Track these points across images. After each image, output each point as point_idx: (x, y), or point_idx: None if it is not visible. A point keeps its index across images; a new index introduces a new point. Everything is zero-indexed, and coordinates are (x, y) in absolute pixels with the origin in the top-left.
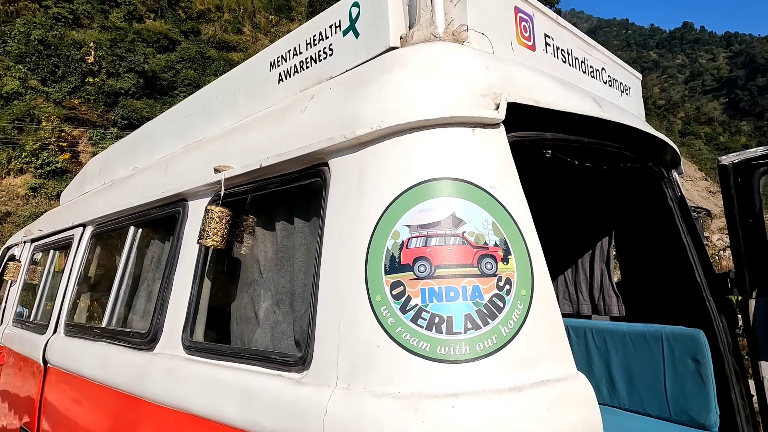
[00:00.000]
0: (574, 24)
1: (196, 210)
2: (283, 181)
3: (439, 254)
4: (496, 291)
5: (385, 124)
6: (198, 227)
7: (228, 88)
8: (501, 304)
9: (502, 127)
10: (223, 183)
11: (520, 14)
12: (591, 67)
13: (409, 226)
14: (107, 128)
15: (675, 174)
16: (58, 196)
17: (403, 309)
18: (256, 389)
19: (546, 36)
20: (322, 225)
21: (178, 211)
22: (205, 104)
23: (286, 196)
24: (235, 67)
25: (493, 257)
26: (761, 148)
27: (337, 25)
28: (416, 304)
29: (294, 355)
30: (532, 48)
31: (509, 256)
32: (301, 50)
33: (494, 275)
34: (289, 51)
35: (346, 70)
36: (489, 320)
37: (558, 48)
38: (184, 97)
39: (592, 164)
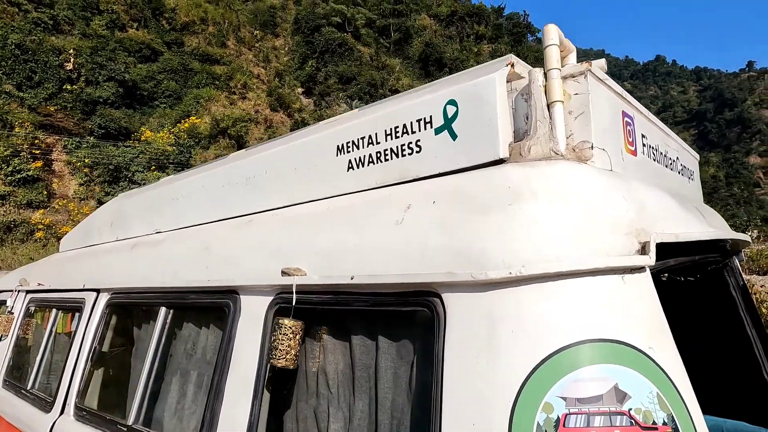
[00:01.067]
0: None
1: (250, 308)
2: (375, 302)
3: None
4: None
5: (527, 270)
6: (253, 328)
7: (280, 164)
8: None
9: (648, 270)
10: (295, 290)
11: (626, 118)
12: (670, 159)
13: (564, 399)
14: (83, 137)
15: (736, 261)
16: (29, 204)
17: None
18: None
19: (642, 136)
20: (439, 372)
21: (227, 305)
22: (250, 176)
23: (375, 315)
24: (218, 79)
25: None
26: None
27: (428, 121)
28: None
29: None
30: (635, 153)
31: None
32: (378, 140)
33: None
34: (362, 138)
35: (440, 174)
36: None
37: (650, 146)
38: (165, 108)
39: (693, 278)
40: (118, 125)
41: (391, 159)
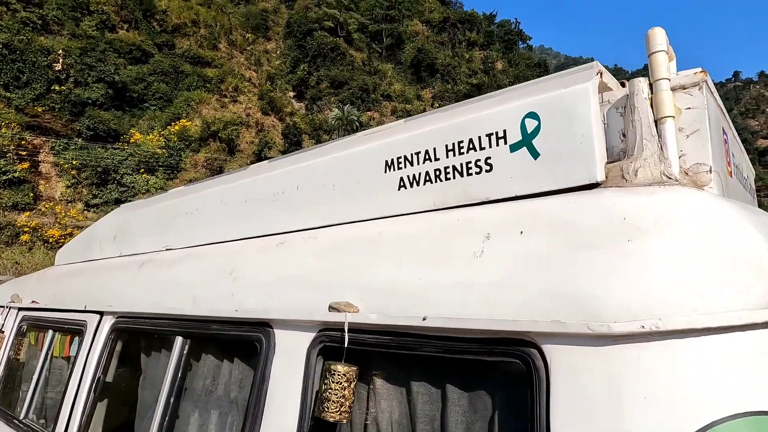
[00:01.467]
0: (544, 60)
1: (287, 345)
2: (450, 348)
3: None
4: None
5: (665, 324)
6: (292, 369)
7: (315, 179)
8: None
9: None
10: (347, 329)
11: (724, 136)
12: (745, 178)
13: None
14: (71, 138)
15: None
16: (15, 206)
17: None
18: None
19: (732, 155)
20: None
21: (259, 339)
22: (279, 192)
23: (446, 362)
24: (209, 82)
25: None
26: None
27: (501, 135)
28: None
29: None
30: (731, 175)
31: None
32: (437, 155)
33: None
34: (417, 153)
35: (516, 197)
36: None
37: (736, 166)
38: (155, 110)
39: None
40: (107, 127)
41: (454, 178)
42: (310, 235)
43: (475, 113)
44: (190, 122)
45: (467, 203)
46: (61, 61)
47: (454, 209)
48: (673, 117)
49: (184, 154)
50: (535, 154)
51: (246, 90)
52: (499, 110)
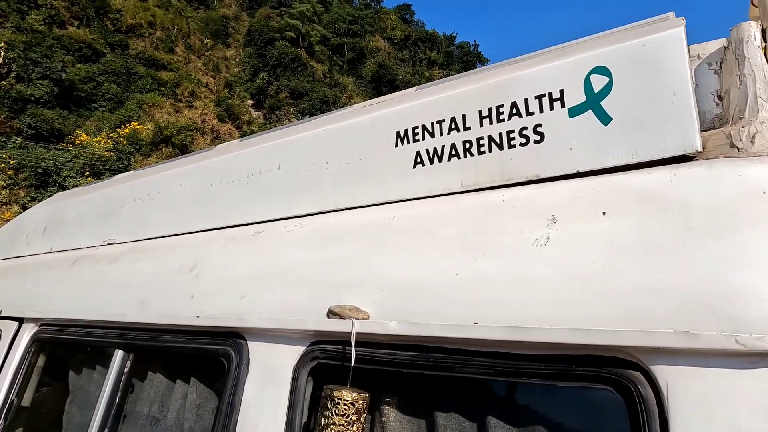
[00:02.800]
0: None
1: (265, 362)
2: (505, 369)
3: None
4: None
5: None
6: (272, 393)
7: (303, 157)
8: None
9: None
10: (354, 342)
11: None
12: None
13: None
14: (9, 136)
15: None
16: None
17: None
18: None
19: None
20: None
21: (226, 353)
22: (254, 172)
23: (501, 388)
24: (164, 85)
25: None
26: None
27: (556, 97)
28: None
29: None
30: None
31: None
32: (467, 124)
33: None
34: (440, 122)
35: (578, 173)
36: None
37: None
38: (104, 111)
39: None
40: (51, 126)
41: (490, 151)
42: (296, 224)
43: (518, 71)
44: (141, 125)
45: (507, 183)
46: (2, 54)
47: (491, 190)
48: None
49: (134, 158)
50: (605, 119)
51: (203, 96)
52: (554, 66)
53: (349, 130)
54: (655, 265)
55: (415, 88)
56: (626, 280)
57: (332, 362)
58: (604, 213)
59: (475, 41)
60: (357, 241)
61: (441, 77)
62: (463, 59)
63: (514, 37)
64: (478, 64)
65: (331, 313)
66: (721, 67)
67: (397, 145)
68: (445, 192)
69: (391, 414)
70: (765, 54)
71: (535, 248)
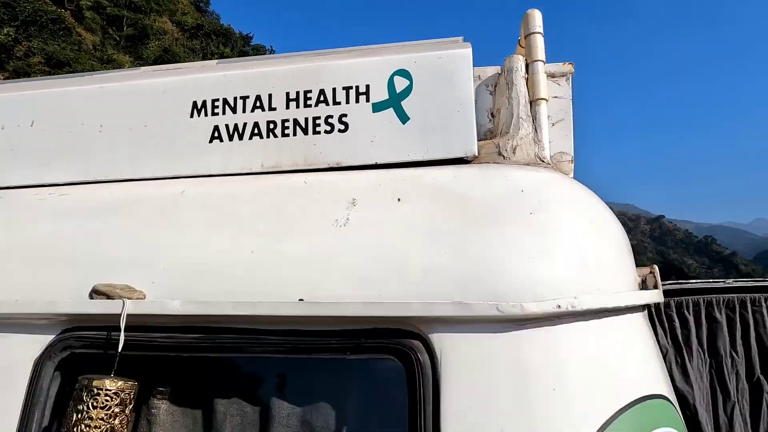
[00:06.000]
0: None
1: None
2: (294, 345)
3: None
4: None
5: (580, 304)
6: None
7: (68, 113)
8: None
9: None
10: (123, 324)
11: None
12: None
13: None
14: None
15: None
16: None
17: None
18: None
19: None
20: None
21: None
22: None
23: (287, 366)
24: None
25: None
26: None
27: (362, 91)
28: None
29: None
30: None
31: None
32: (273, 104)
33: None
34: (244, 97)
35: (377, 165)
36: None
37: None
38: None
39: None
40: None
41: (294, 135)
42: (53, 192)
43: (331, 60)
44: None
45: (310, 168)
46: None
47: (294, 173)
48: (547, 100)
49: None
50: (404, 118)
51: None
52: (363, 62)
53: (135, 92)
54: (439, 247)
55: (216, 61)
56: (415, 260)
57: (93, 351)
58: (399, 200)
59: (271, 47)
60: (135, 216)
61: None
62: None
63: (309, 48)
64: None
65: (97, 293)
66: (495, 89)
67: (192, 116)
68: (244, 171)
69: (162, 406)
70: (527, 83)
71: (335, 229)
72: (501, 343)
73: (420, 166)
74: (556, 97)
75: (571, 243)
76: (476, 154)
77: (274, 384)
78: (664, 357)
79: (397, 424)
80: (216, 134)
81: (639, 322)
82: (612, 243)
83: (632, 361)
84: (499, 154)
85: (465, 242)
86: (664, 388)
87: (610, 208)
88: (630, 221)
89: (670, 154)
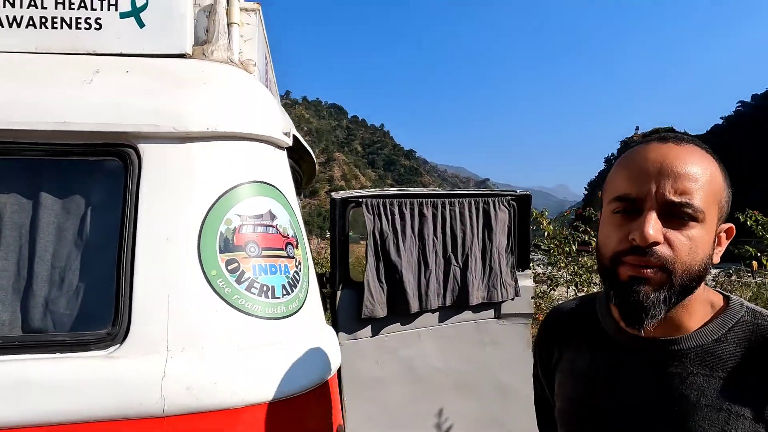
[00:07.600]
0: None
1: None
2: (55, 152)
3: (264, 239)
4: (295, 269)
5: (221, 128)
6: None
7: None
8: (298, 278)
9: (285, 149)
10: None
11: (266, 60)
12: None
13: (240, 215)
14: None
15: None
16: None
17: (239, 281)
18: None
19: (268, 79)
20: (132, 207)
21: None
22: None
23: (46, 168)
24: None
25: (292, 244)
26: (356, 191)
27: (112, 3)
28: (249, 277)
29: (89, 334)
30: (267, 84)
31: (298, 245)
32: (44, 4)
33: (294, 257)
34: None
35: (122, 54)
36: (293, 289)
37: (269, 81)
38: None
39: None
40: None
41: (61, 28)
42: None
43: None
44: None
45: (74, 52)
46: None
47: (61, 55)
48: (239, 25)
49: None
50: (140, 25)
51: None
52: None
53: None
54: (141, 97)
55: None
56: (134, 104)
57: None
58: (127, 71)
59: None
60: None
61: None
62: None
63: None
64: None
65: None
66: (208, 14)
67: None
68: (25, 48)
69: None
70: (226, 12)
71: (83, 84)
72: (180, 149)
73: (151, 57)
74: (248, 24)
75: (224, 96)
76: (190, 53)
77: (38, 183)
78: (386, 240)
79: (113, 204)
80: (7, 21)
81: (269, 149)
82: (256, 103)
83: (262, 171)
84: (204, 54)
85: (165, 94)
86: (280, 184)
87: (446, 170)
88: (461, 183)
89: (493, 123)
